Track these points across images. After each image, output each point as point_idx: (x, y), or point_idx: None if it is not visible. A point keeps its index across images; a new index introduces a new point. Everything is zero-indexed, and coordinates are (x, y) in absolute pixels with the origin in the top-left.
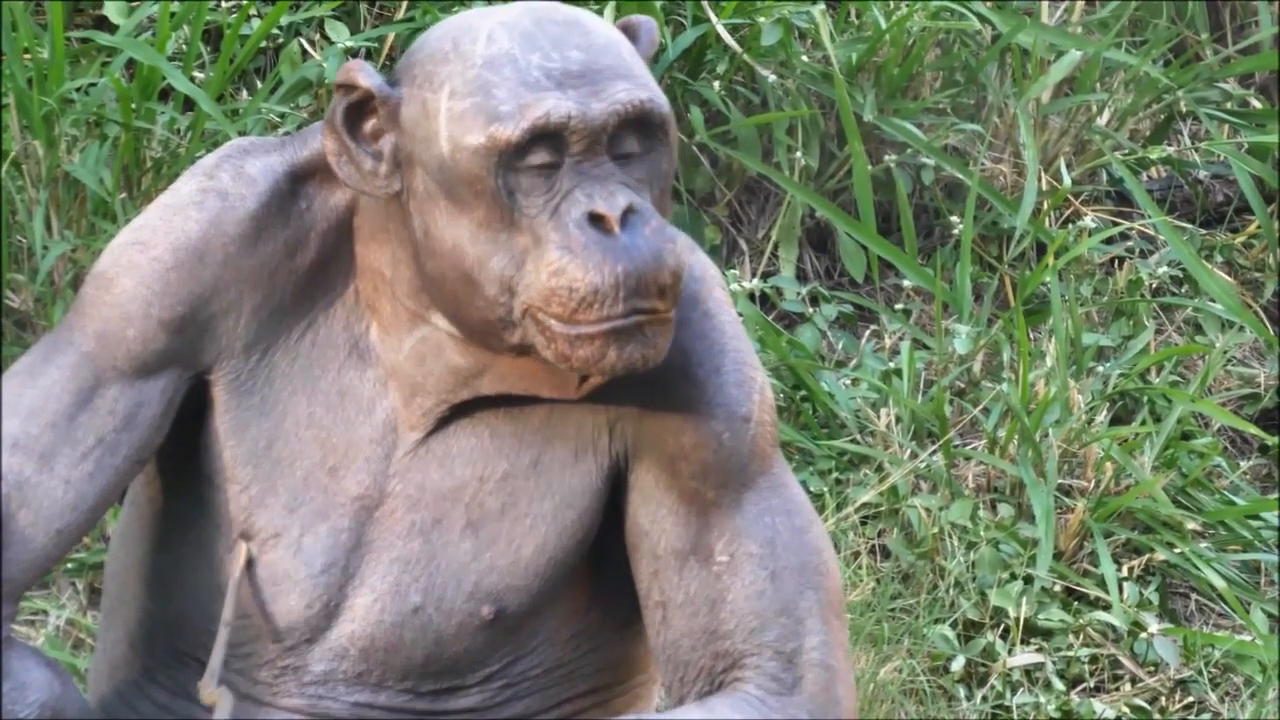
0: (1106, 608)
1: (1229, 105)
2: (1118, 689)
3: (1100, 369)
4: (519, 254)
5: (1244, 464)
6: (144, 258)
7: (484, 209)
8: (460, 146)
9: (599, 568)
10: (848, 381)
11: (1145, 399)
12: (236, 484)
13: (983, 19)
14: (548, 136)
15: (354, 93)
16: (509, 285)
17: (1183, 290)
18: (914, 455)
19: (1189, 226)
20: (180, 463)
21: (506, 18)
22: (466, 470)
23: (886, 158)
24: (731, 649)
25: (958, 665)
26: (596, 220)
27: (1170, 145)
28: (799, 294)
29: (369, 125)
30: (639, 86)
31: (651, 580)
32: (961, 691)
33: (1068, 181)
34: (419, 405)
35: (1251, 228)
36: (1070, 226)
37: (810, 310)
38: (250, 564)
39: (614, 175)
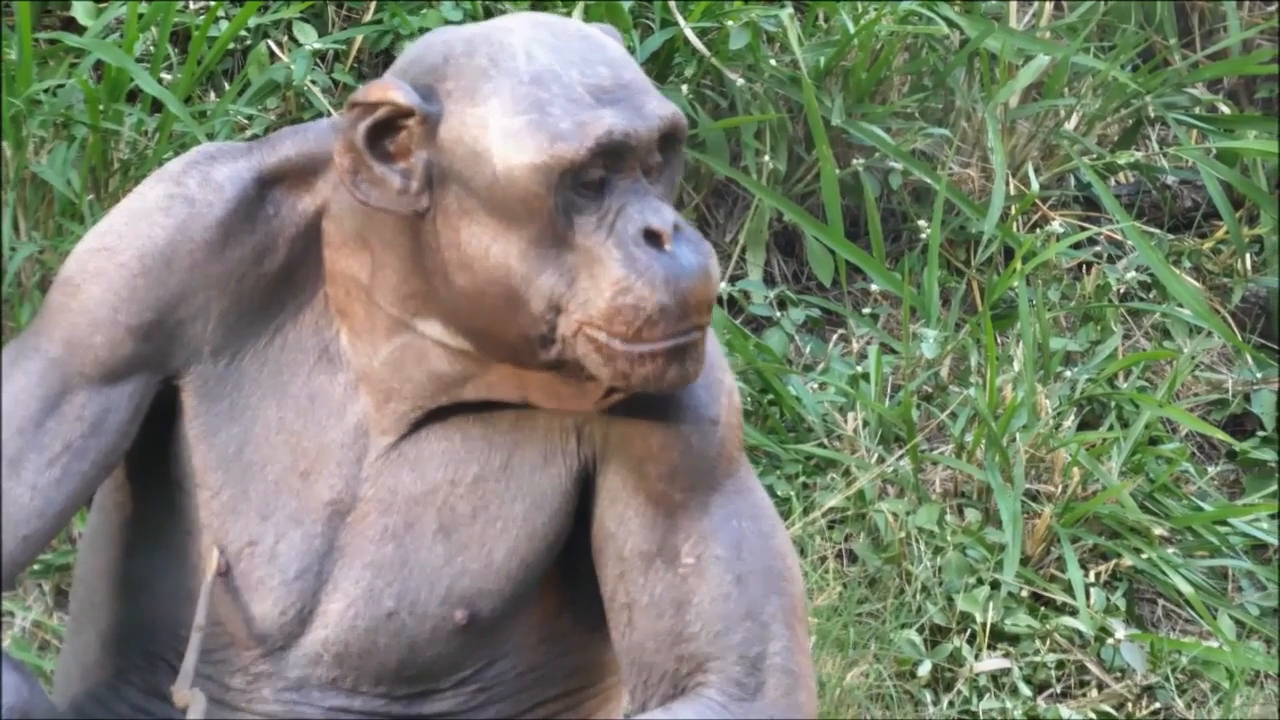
0: (1073, 613)
1: (1197, 110)
2: (1084, 694)
3: (1068, 374)
4: (569, 271)
5: (1211, 469)
6: (111, 264)
7: (536, 226)
8: (517, 164)
9: (570, 571)
10: (815, 385)
11: (1113, 404)
12: (207, 489)
13: (951, 23)
14: (605, 153)
15: (379, 110)
16: (557, 303)
17: (1151, 295)
18: (881, 460)
19: (1157, 232)
20: (149, 467)
21: (530, 32)
22: (438, 474)
23: (854, 162)
24: (696, 651)
25: (924, 670)
26: (652, 237)
27: (1138, 150)
28: (767, 298)
29: (394, 143)
30: (664, 101)
31: (617, 582)
32: (928, 696)
33: (1036, 186)
34: (393, 410)
35: (1220, 233)
36: (1038, 231)
37: (778, 314)
38: (222, 570)
39: (651, 189)
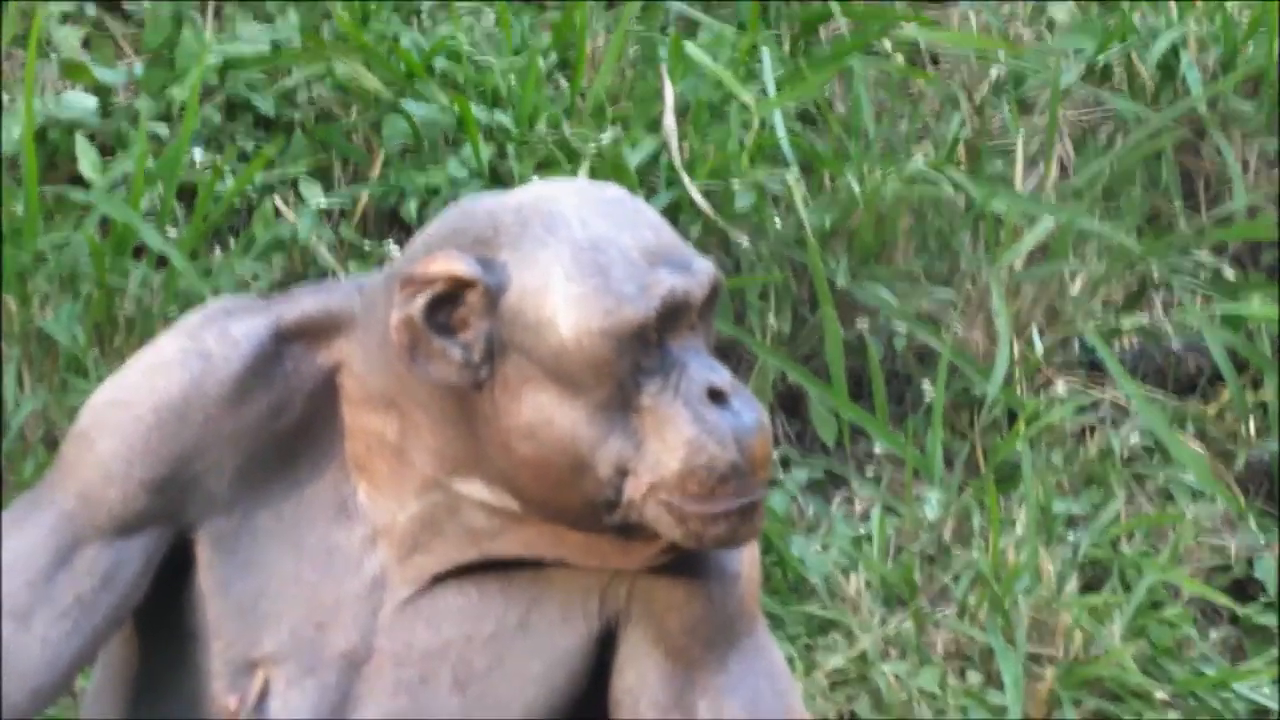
0: None
1: (1202, 275)
2: None
3: (1071, 537)
4: (636, 434)
5: (1214, 634)
6: (125, 417)
7: (604, 391)
8: (584, 330)
9: None
10: (818, 546)
11: (1116, 567)
12: (221, 639)
13: (957, 186)
14: (668, 315)
15: (438, 284)
16: (624, 466)
17: (1154, 459)
18: (884, 621)
19: (1161, 396)
20: (159, 620)
21: (575, 199)
22: (454, 629)
23: (859, 323)
24: None
25: None
26: (715, 395)
27: (1143, 314)
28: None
29: (453, 316)
30: (705, 260)
31: None
32: None
33: (1040, 349)
34: (417, 564)
35: (1224, 398)
36: (1042, 394)
37: (781, 475)
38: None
39: (703, 347)
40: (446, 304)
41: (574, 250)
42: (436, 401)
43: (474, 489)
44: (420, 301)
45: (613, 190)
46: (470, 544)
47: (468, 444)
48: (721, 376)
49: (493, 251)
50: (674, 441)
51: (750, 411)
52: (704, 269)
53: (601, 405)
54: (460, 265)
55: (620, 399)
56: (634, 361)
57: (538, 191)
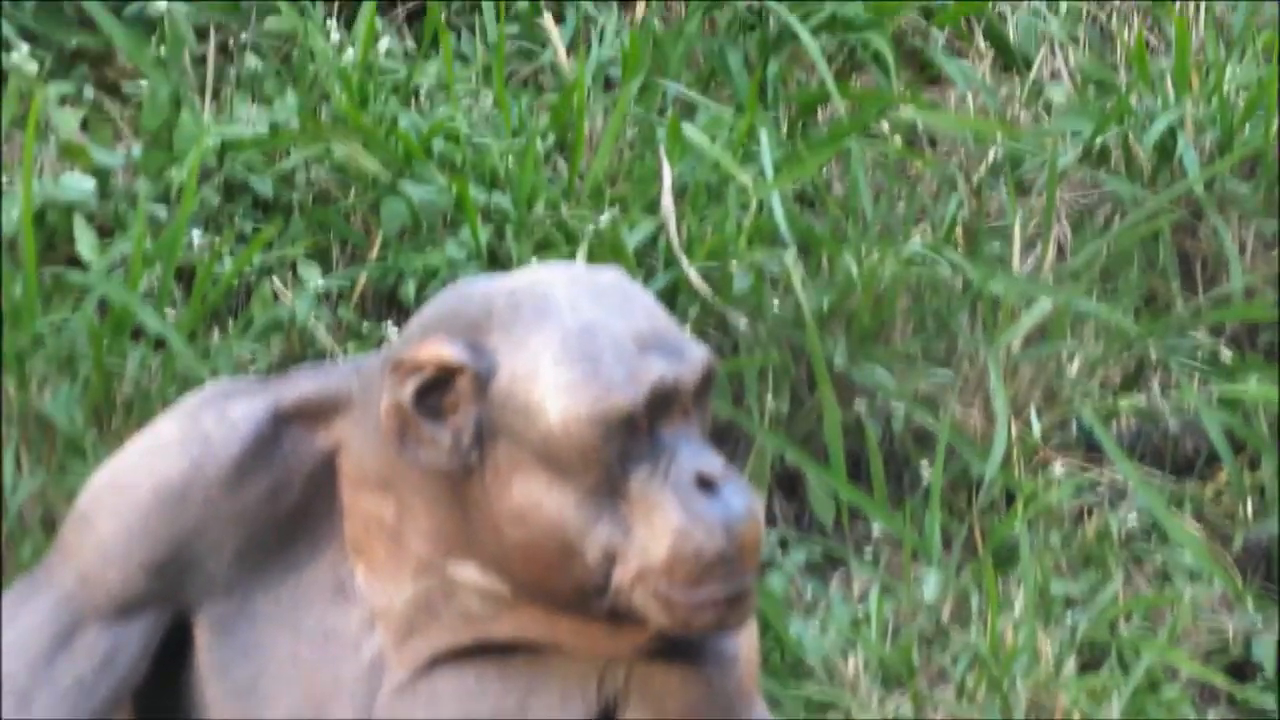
0: None
1: (1199, 355)
2: None
3: (1069, 618)
4: (625, 520)
5: (1212, 715)
6: (125, 499)
7: (592, 477)
8: (573, 416)
9: None
10: (816, 627)
11: (1114, 648)
12: None
13: (954, 267)
14: (656, 400)
15: (427, 369)
16: (613, 552)
17: (1152, 540)
18: (882, 702)
19: (1159, 476)
20: (160, 701)
21: (569, 285)
22: (452, 712)
23: (857, 404)
24: None
25: None
26: (704, 483)
27: (1141, 395)
28: (768, 539)
29: (443, 401)
30: (698, 345)
31: None
32: None
33: (1037, 430)
34: (413, 647)
35: (1221, 478)
36: (1040, 475)
37: (779, 555)
38: None
39: (695, 433)
40: (436, 389)
41: (564, 336)
42: (430, 485)
43: (468, 573)
44: (409, 387)
45: (608, 275)
46: (465, 628)
47: (461, 528)
48: (712, 464)
49: (484, 336)
50: (661, 529)
51: (740, 499)
52: (697, 355)
53: (590, 491)
54: (448, 351)
55: (609, 485)
56: (622, 448)
57: (532, 276)
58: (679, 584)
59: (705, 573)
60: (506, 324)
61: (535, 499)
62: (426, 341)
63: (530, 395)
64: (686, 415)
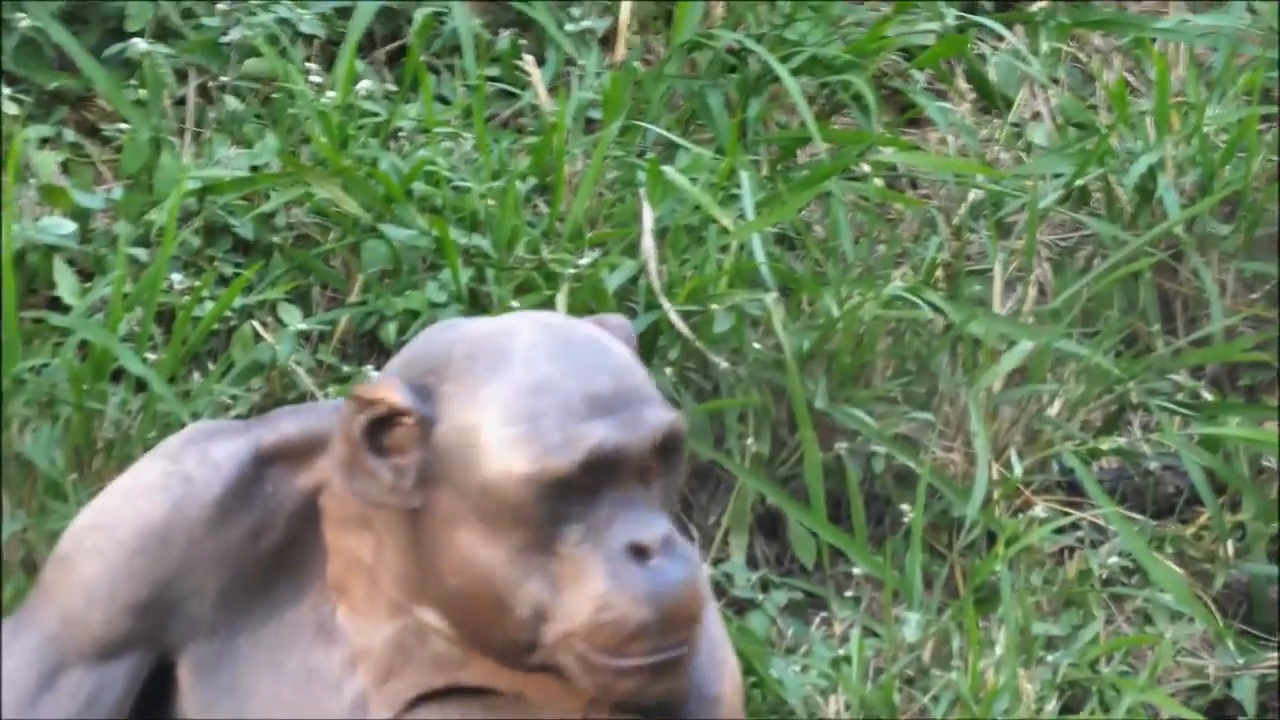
0: None
1: (1180, 397)
2: None
3: (1050, 658)
4: (555, 581)
5: None
6: (107, 541)
7: (524, 535)
8: (508, 475)
9: None
10: (797, 668)
11: (1095, 689)
12: None
13: (935, 308)
14: (594, 466)
15: (377, 407)
16: (542, 611)
17: (1133, 580)
18: None
19: (1140, 517)
20: None
21: (534, 337)
22: None
23: (837, 445)
24: None
25: None
26: (638, 551)
27: (1121, 436)
28: (749, 580)
29: (390, 439)
30: (664, 409)
31: None
32: None
33: (1018, 471)
34: (391, 689)
35: (1202, 519)
36: (1020, 516)
37: (760, 596)
38: None
39: (644, 499)
40: (385, 427)
41: (513, 392)
42: (397, 524)
43: (429, 616)
44: (361, 420)
45: (583, 330)
46: (438, 672)
47: (419, 571)
48: (651, 533)
49: (440, 383)
50: (585, 595)
51: (677, 570)
52: (655, 420)
53: (521, 549)
54: (397, 395)
55: (540, 544)
56: (555, 509)
57: (501, 325)
58: (602, 649)
59: (628, 641)
60: (461, 373)
61: (473, 550)
62: (383, 381)
63: (471, 448)
64: (643, 479)
